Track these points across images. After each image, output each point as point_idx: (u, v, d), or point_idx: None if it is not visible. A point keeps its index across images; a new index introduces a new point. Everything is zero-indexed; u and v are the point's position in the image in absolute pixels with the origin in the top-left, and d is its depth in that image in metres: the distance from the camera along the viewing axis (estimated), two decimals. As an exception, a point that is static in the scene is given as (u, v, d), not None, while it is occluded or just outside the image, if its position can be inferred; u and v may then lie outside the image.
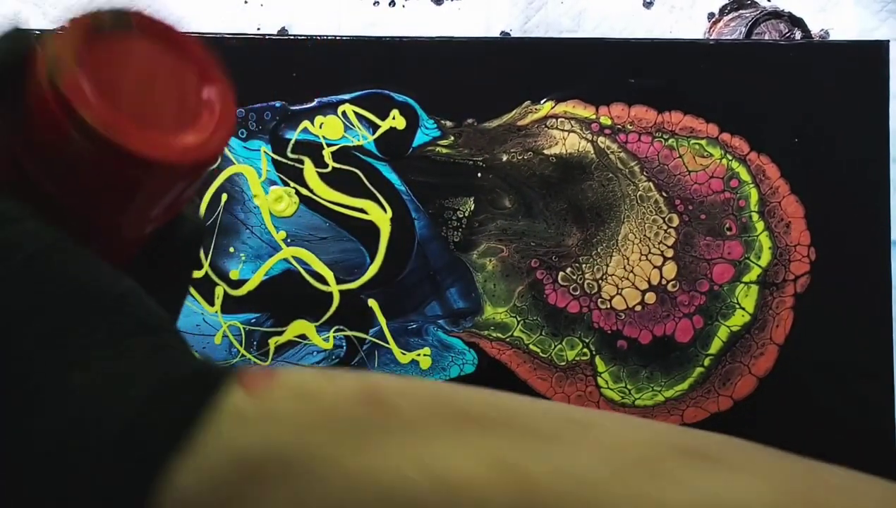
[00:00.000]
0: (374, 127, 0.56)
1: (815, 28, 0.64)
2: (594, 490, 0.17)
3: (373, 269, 0.56)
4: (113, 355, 0.19)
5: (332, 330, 0.56)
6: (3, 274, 0.19)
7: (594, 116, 0.56)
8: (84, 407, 0.18)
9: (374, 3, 0.66)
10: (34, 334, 0.18)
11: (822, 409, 0.56)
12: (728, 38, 0.63)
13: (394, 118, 0.56)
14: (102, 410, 0.18)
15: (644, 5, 0.66)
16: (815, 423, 0.56)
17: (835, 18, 0.65)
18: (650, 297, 0.56)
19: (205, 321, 0.56)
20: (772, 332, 0.56)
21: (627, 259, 0.56)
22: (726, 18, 0.65)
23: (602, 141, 0.56)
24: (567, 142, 0.56)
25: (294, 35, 0.62)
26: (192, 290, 0.56)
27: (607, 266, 0.56)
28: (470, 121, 0.56)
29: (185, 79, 0.22)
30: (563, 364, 0.56)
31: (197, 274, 0.56)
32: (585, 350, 0.56)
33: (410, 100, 0.56)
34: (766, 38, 0.62)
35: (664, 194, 0.56)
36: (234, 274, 0.56)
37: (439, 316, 0.56)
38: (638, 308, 0.56)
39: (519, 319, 0.56)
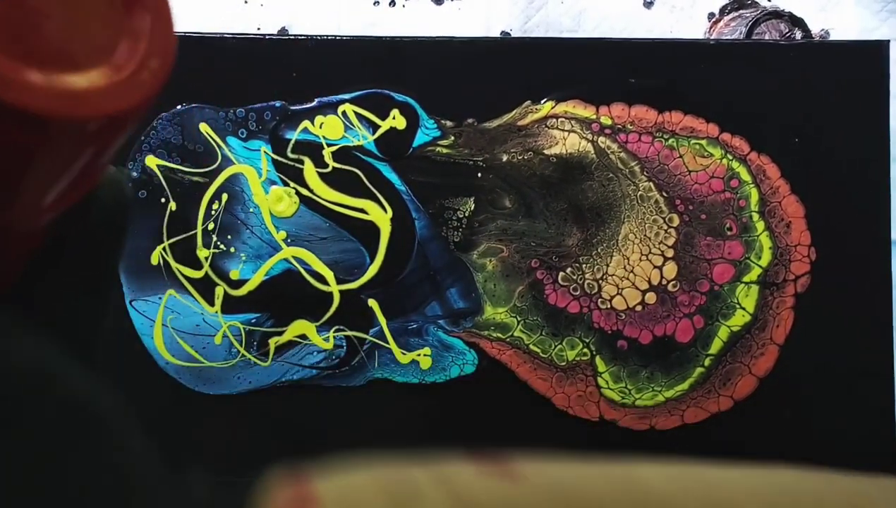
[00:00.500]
0: (375, 127, 0.56)
1: (815, 28, 0.64)
2: None
3: (373, 269, 0.56)
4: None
5: (333, 330, 0.56)
6: None
7: (594, 116, 0.56)
8: None
9: (374, 3, 0.66)
10: None
11: (823, 409, 0.56)
12: (728, 38, 0.63)
13: (394, 118, 0.56)
14: None
15: (644, 5, 0.66)
16: (816, 423, 0.56)
17: (835, 18, 0.65)
18: (650, 297, 0.56)
19: (205, 321, 0.56)
20: (772, 332, 0.56)
21: (628, 259, 0.56)
22: (726, 18, 0.65)
23: (602, 141, 0.56)
24: (567, 142, 0.56)
25: (294, 35, 0.62)
26: (192, 290, 0.56)
27: (607, 266, 0.56)
28: (470, 121, 0.56)
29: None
30: (563, 364, 0.56)
31: (197, 274, 0.56)
32: (586, 350, 0.56)
33: (410, 100, 0.56)
34: (767, 37, 0.62)
35: (664, 194, 0.56)
36: (234, 274, 0.56)
37: (439, 316, 0.56)
38: (638, 308, 0.56)
39: (519, 319, 0.56)
